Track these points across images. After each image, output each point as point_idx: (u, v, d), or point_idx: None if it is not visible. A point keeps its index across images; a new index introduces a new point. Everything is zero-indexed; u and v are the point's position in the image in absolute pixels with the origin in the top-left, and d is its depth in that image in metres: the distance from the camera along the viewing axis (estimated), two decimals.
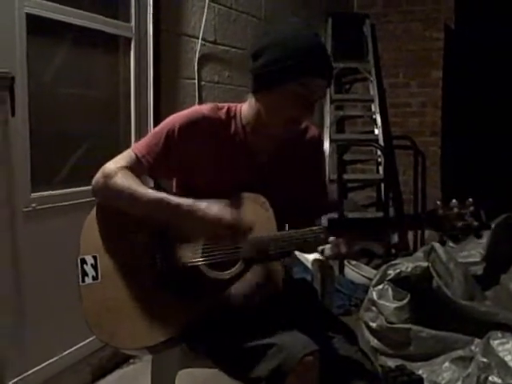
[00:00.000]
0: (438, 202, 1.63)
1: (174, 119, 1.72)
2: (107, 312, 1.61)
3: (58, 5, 2.45)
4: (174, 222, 1.62)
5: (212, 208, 1.55)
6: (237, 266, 1.63)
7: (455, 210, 1.60)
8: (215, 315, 1.61)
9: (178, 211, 1.57)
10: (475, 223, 1.59)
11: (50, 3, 2.41)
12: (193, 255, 1.64)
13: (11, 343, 2.29)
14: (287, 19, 1.78)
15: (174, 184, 1.84)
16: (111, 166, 1.67)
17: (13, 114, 2.22)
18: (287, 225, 1.74)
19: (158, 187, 2.16)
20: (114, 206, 1.66)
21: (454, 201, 1.61)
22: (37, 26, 2.36)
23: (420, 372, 2.67)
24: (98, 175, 1.67)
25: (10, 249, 2.28)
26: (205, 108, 1.74)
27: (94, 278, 1.64)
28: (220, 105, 1.78)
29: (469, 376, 2.51)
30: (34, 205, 2.37)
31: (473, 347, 2.67)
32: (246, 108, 1.76)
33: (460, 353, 2.69)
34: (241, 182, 1.71)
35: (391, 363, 2.81)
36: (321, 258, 2.11)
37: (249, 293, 1.61)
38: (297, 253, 2.18)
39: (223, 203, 1.60)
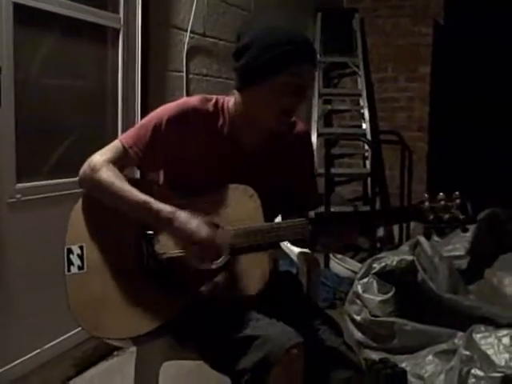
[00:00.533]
0: (426, 195, 1.65)
1: (162, 111, 1.72)
2: (92, 302, 1.61)
3: None
4: (152, 226, 1.63)
5: (190, 222, 1.57)
6: (223, 257, 1.63)
7: (442, 202, 1.61)
8: (201, 306, 1.61)
9: (158, 217, 1.58)
10: (461, 216, 1.61)
11: None
12: (174, 244, 1.64)
13: None
14: (261, 15, 1.77)
15: (162, 176, 1.84)
16: (98, 158, 1.68)
17: None
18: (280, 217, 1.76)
19: (144, 179, 2.16)
20: (99, 198, 1.66)
21: (441, 194, 1.63)
22: (24, 15, 2.34)
23: (403, 365, 2.69)
24: (85, 167, 1.68)
25: None
26: (193, 100, 1.75)
27: (80, 268, 1.64)
28: (208, 97, 1.78)
29: (452, 369, 2.53)
30: (18, 196, 2.36)
31: (456, 340, 2.70)
32: (232, 102, 1.77)
33: (443, 346, 2.71)
34: (228, 173, 1.71)
35: (375, 356, 2.83)
36: (306, 250, 2.12)
37: (235, 283, 1.62)
38: (282, 245, 2.19)
39: (204, 219, 1.60)
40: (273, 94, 1.63)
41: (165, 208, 1.58)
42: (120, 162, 1.69)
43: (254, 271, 1.63)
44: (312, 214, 1.75)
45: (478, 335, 2.53)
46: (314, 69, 1.68)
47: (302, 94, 1.66)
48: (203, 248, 1.57)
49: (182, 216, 1.57)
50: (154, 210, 1.58)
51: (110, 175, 1.63)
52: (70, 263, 1.64)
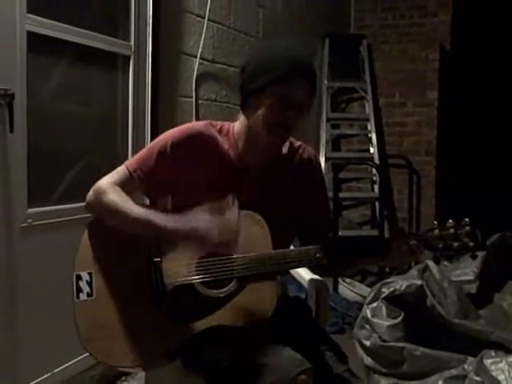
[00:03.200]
0: (435, 222, 1.65)
1: (167, 135, 1.73)
2: (101, 329, 1.61)
3: (59, 23, 2.48)
4: (160, 241, 1.63)
5: (194, 219, 1.56)
6: (231, 284, 1.63)
7: (451, 230, 1.61)
8: (208, 334, 1.61)
9: (164, 230, 1.57)
10: (471, 244, 1.60)
11: (50, 21, 2.44)
12: (187, 273, 1.64)
13: (3, 359, 2.29)
14: (268, 40, 1.82)
15: (170, 202, 1.85)
16: (103, 182, 1.69)
17: (11, 131, 2.24)
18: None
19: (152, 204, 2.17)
20: (106, 222, 1.67)
21: (450, 221, 1.63)
22: (37, 43, 2.39)
23: None
24: (91, 191, 1.70)
25: (5, 264, 2.28)
26: (198, 124, 1.77)
27: (89, 295, 1.63)
28: (213, 122, 1.80)
29: None
30: (30, 220, 2.38)
31: (466, 366, 2.68)
32: (237, 126, 1.79)
33: (453, 372, 2.69)
34: (235, 198, 1.71)
35: (384, 382, 2.82)
36: (316, 276, 2.12)
37: (243, 311, 1.62)
38: (291, 271, 2.19)
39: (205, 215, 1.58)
40: (265, 108, 1.65)
41: (168, 221, 1.57)
42: (125, 186, 1.69)
43: (261, 299, 1.63)
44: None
45: (489, 360, 2.51)
46: (307, 85, 1.67)
47: (294, 110, 1.64)
48: (216, 232, 1.54)
49: (184, 220, 1.56)
50: (156, 225, 1.57)
51: (114, 196, 1.64)
52: (79, 290, 1.64)
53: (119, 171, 1.73)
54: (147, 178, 1.70)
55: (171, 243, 1.63)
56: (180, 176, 1.72)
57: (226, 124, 1.81)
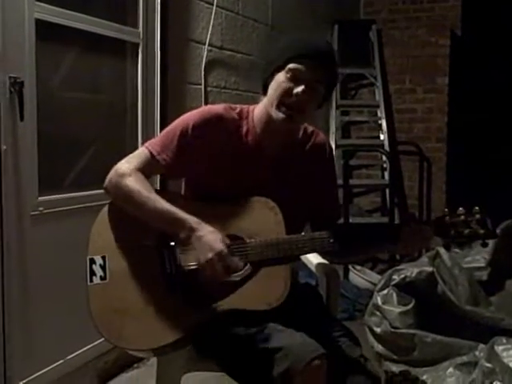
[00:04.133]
0: (446, 210, 1.65)
1: (187, 117, 1.74)
2: (114, 312, 1.62)
3: (67, 11, 2.47)
4: (174, 236, 1.64)
5: (210, 235, 1.59)
6: (245, 269, 1.64)
7: (462, 217, 1.62)
8: (222, 318, 1.62)
9: (182, 227, 1.59)
10: (481, 231, 1.61)
11: (58, 9, 2.43)
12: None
13: (17, 346, 2.31)
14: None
15: (183, 184, 1.85)
16: (125, 165, 1.69)
17: (21, 119, 2.24)
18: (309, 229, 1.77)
19: (163, 186, 2.17)
20: (124, 207, 1.68)
21: (460, 208, 1.64)
22: (46, 31, 2.38)
23: (424, 377, 2.68)
24: (112, 174, 1.69)
25: (17, 252, 2.29)
26: (218, 107, 1.77)
27: (102, 278, 1.64)
28: (233, 105, 1.81)
29: (473, 382, 2.51)
30: (41, 208, 2.39)
31: (477, 353, 2.68)
32: (257, 110, 1.79)
33: (464, 358, 2.69)
34: (251, 181, 1.72)
35: (395, 368, 2.82)
36: (326, 262, 2.12)
37: (256, 295, 1.62)
38: (302, 257, 2.19)
39: (227, 234, 1.63)
40: (273, 87, 1.69)
41: (190, 219, 1.60)
42: (147, 169, 1.70)
43: (275, 283, 1.63)
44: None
45: (500, 347, 2.51)
46: (322, 68, 1.68)
47: (304, 88, 1.65)
48: (217, 262, 1.57)
49: (206, 229, 1.59)
50: (179, 219, 1.60)
51: (136, 183, 1.65)
52: (93, 273, 1.65)
53: (141, 154, 1.73)
54: (171, 161, 1.71)
55: (184, 240, 1.63)
56: (200, 159, 1.72)
57: (245, 107, 1.81)
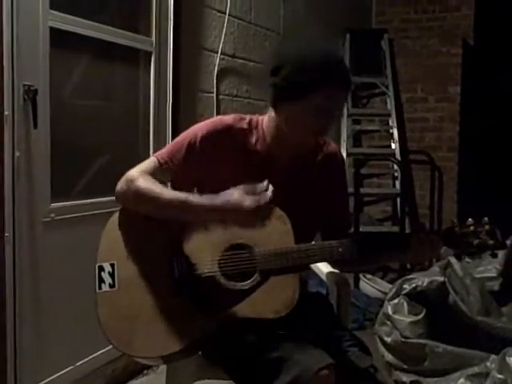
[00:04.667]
0: (455, 220, 1.65)
1: (196, 128, 1.75)
2: (123, 320, 1.62)
3: (81, 19, 2.50)
4: (197, 220, 1.63)
5: (230, 196, 1.54)
6: (253, 278, 1.64)
7: (471, 228, 1.62)
8: (231, 326, 1.62)
9: (200, 210, 1.57)
10: (490, 241, 1.61)
11: (72, 17, 2.45)
12: (210, 265, 1.66)
13: (28, 352, 2.32)
14: (306, 35, 1.82)
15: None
16: (133, 171, 1.71)
17: (35, 126, 2.26)
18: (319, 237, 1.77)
19: None
20: (137, 209, 1.68)
21: (470, 219, 1.63)
22: (59, 39, 2.40)
23: None
24: (121, 181, 1.70)
25: (29, 258, 2.31)
26: (227, 118, 1.77)
27: (111, 286, 1.65)
28: (242, 115, 1.81)
29: None
30: (53, 215, 2.40)
31: (488, 363, 2.65)
32: (266, 120, 1.79)
33: (475, 369, 2.67)
34: None
35: (406, 378, 2.80)
36: (336, 271, 2.12)
37: (265, 304, 1.62)
38: (312, 266, 2.19)
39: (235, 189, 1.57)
40: (305, 114, 1.65)
41: (205, 200, 1.57)
42: (155, 176, 1.70)
43: (283, 292, 1.63)
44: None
45: None
46: (347, 93, 1.71)
47: (331, 120, 1.68)
48: (256, 207, 1.52)
49: (220, 198, 1.55)
50: (194, 205, 1.57)
51: (147, 183, 1.65)
52: (101, 281, 1.65)
53: (149, 162, 1.74)
54: (177, 170, 1.72)
55: (208, 222, 1.63)
56: (208, 169, 1.73)
57: (255, 117, 1.81)
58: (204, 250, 1.67)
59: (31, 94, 2.23)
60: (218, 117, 1.81)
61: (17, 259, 2.24)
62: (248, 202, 1.51)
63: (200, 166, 1.73)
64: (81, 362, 2.58)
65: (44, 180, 2.36)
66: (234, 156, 1.74)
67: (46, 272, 2.38)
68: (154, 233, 1.68)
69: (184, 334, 1.59)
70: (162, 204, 1.62)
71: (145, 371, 2.92)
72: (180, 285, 1.64)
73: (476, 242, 1.61)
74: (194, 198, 1.60)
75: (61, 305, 2.45)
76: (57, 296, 2.43)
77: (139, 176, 1.67)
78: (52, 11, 2.34)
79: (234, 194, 1.54)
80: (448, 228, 1.67)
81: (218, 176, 1.73)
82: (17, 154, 2.20)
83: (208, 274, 1.64)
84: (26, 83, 2.22)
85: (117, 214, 1.73)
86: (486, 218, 1.63)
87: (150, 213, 1.66)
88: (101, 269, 1.66)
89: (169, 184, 1.80)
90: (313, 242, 1.77)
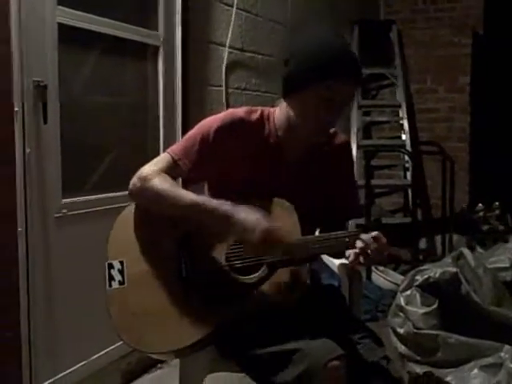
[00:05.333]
0: (464, 206, 1.64)
1: (208, 122, 1.74)
2: (133, 316, 1.63)
3: (89, 14, 2.50)
4: (210, 225, 1.62)
5: (251, 214, 1.56)
6: (261, 271, 1.65)
7: (481, 213, 1.61)
8: (240, 319, 1.62)
9: (216, 214, 1.58)
10: (501, 227, 1.59)
11: (80, 13, 2.46)
12: (218, 259, 1.66)
13: (42, 346, 2.33)
14: (317, 27, 1.80)
15: (206, 188, 1.86)
16: (148, 168, 1.70)
17: (45, 122, 2.26)
18: (318, 230, 1.76)
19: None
20: (151, 208, 1.68)
21: (480, 205, 1.63)
22: (68, 35, 2.41)
23: (448, 379, 2.65)
24: (135, 178, 1.70)
25: (41, 254, 2.32)
26: (239, 111, 1.77)
27: (121, 283, 1.65)
28: (254, 108, 1.81)
29: (498, 383, 2.48)
30: (64, 210, 2.41)
31: (502, 354, 2.64)
32: (278, 112, 1.79)
33: (489, 360, 2.66)
34: (272, 184, 1.73)
35: (419, 370, 2.80)
36: (346, 262, 2.11)
37: (274, 297, 1.62)
38: (324, 258, 2.19)
39: (257, 211, 1.59)
40: (309, 104, 1.66)
41: (222, 205, 1.58)
42: (170, 173, 1.70)
43: (291, 284, 1.63)
44: (353, 226, 1.75)
45: None
46: (354, 91, 1.70)
47: (335, 111, 1.67)
48: (268, 237, 1.55)
49: (241, 210, 1.56)
50: (211, 208, 1.58)
51: (163, 182, 1.65)
52: (111, 278, 1.66)
53: (163, 159, 1.74)
54: (192, 166, 1.71)
55: (221, 228, 1.62)
56: (222, 162, 1.73)
57: (266, 109, 1.81)
58: (212, 245, 1.67)
59: (41, 90, 2.23)
60: (230, 110, 1.81)
61: (29, 254, 2.25)
62: (261, 229, 1.53)
63: (214, 160, 1.72)
64: (95, 356, 2.60)
65: (55, 176, 2.37)
66: (246, 149, 1.74)
67: (59, 267, 2.39)
68: (162, 229, 1.68)
69: (194, 329, 1.59)
70: (177, 204, 1.62)
71: (159, 365, 2.93)
72: (189, 280, 1.65)
73: (486, 227, 1.60)
74: (211, 201, 1.60)
75: (74, 300, 2.46)
76: (70, 291, 2.44)
77: (154, 175, 1.67)
78: (60, 7, 2.35)
79: (254, 213, 1.56)
80: (457, 214, 1.67)
81: (231, 169, 1.74)
82: (27, 150, 2.21)
83: (216, 268, 1.64)
84: (36, 79, 2.23)
85: (125, 212, 1.74)
86: (497, 203, 1.62)
87: (164, 211, 1.66)
88: (110, 266, 1.67)
89: (180, 179, 1.81)
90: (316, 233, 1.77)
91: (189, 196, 1.62)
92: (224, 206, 1.58)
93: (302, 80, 1.64)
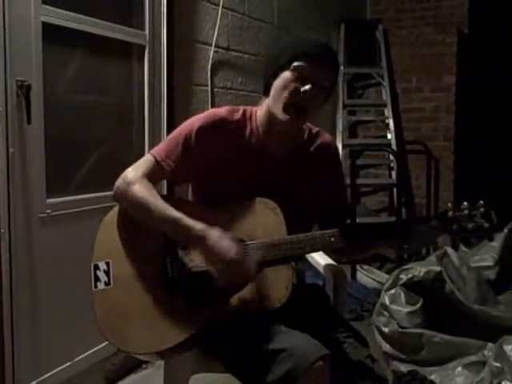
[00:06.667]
0: (449, 204, 1.64)
1: (191, 122, 1.75)
2: (118, 317, 1.63)
3: (74, 13, 2.49)
4: (183, 243, 1.65)
5: (221, 241, 1.57)
6: None
7: (466, 211, 1.61)
8: (225, 320, 1.62)
9: (189, 234, 1.59)
10: (486, 224, 1.60)
11: (65, 12, 2.44)
12: (203, 260, 1.65)
13: (25, 348, 2.32)
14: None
15: (190, 189, 1.86)
16: (132, 173, 1.70)
17: (29, 122, 2.25)
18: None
19: (170, 191, 2.18)
20: (131, 214, 1.69)
21: (464, 203, 1.63)
22: (52, 34, 2.39)
23: (432, 377, 2.67)
24: (119, 182, 1.70)
25: (25, 254, 2.31)
26: (221, 110, 1.78)
27: (107, 284, 1.65)
28: (236, 107, 1.81)
29: (482, 381, 2.50)
30: (49, 211, 2.40)
31: (486, 352, 2.66)
32: (259, 110, 1.80)
33: (473, 358, 2.68)
34: (255, 184, 1.73)
35: (403, 368, 2.81)
36: (333, 262, 2.12)
37: (259, 296, 1.62)
38: (309, 257, 2.19)
39: (233, 237, 1.60)
40: (279, 87, 1.68)
41: (196, 225, 1.59)
42: (154, 176, 1.71)
43: (277, 284, 1.63)
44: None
45: (509, 346, 2.50)
46: (326, 65, 1.69)
47: (311, 93, 1.65)
48: (232, 268, 1.57)
49: (213, 234, 1.57)
50: (185, 227, 1.59)
51: (143, 191, 1.66)
52: (97, 279, 1.66)
53: (146, 160, 1.74)
54: (176, 166, 1.72)
55: (193, 247, 1.64)
56: (205, 162, 1.73)
57: (249, 109, 1.82)
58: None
59: (24, 90, 2.22)
60: (212, 110, 1.82)
61: (13, 255, 2.23)
62: (233, 255, 1.55)
63: (197, 160, 1.73)
64: (79, 357, 2.59)
65: (39, 176, 2.36)
66: (229, 148, 1.74)
67: (43, 268, 2.38)
68: (148, 231, 1.67)
69: (178, 330, 1.59)
70: (154, 217, 1.63)
71: (144, 365, 2.92)
72: (174, 281, 1.65)
73: (470, 225, 1.61)
74: (186, 220, 1.60)
75: (58, 301, 2.45)
76: (54, 292, 2.43)
77: (137, 181, 1.67)
78: (44, 6, 2.33)
79: (226, 240, 1.57)
80: (442, 212, 1.67)
81: (215, 169, 1.74)
82: (11, 150, 2.20)
83: (201, 269, 1.64)
84: (19, 79, 2.21)
85: (111, 213, 1.74)
86: (482, 201, 1.62)
87: (142, 221, 1.67)
88: (96, 267, 1.67)
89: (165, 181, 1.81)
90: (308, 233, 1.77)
91: (166, 210, 1.62)
92: (198, 226, 1.59)
93: (272, 69, 1.70)
